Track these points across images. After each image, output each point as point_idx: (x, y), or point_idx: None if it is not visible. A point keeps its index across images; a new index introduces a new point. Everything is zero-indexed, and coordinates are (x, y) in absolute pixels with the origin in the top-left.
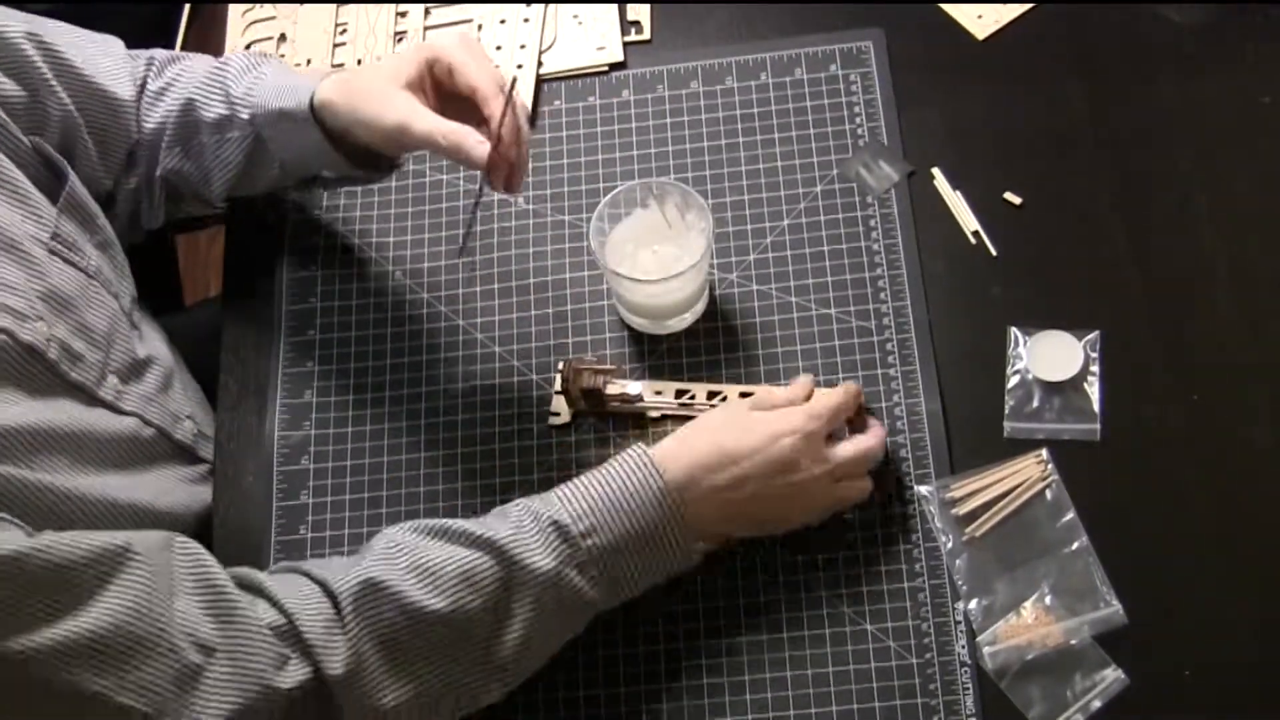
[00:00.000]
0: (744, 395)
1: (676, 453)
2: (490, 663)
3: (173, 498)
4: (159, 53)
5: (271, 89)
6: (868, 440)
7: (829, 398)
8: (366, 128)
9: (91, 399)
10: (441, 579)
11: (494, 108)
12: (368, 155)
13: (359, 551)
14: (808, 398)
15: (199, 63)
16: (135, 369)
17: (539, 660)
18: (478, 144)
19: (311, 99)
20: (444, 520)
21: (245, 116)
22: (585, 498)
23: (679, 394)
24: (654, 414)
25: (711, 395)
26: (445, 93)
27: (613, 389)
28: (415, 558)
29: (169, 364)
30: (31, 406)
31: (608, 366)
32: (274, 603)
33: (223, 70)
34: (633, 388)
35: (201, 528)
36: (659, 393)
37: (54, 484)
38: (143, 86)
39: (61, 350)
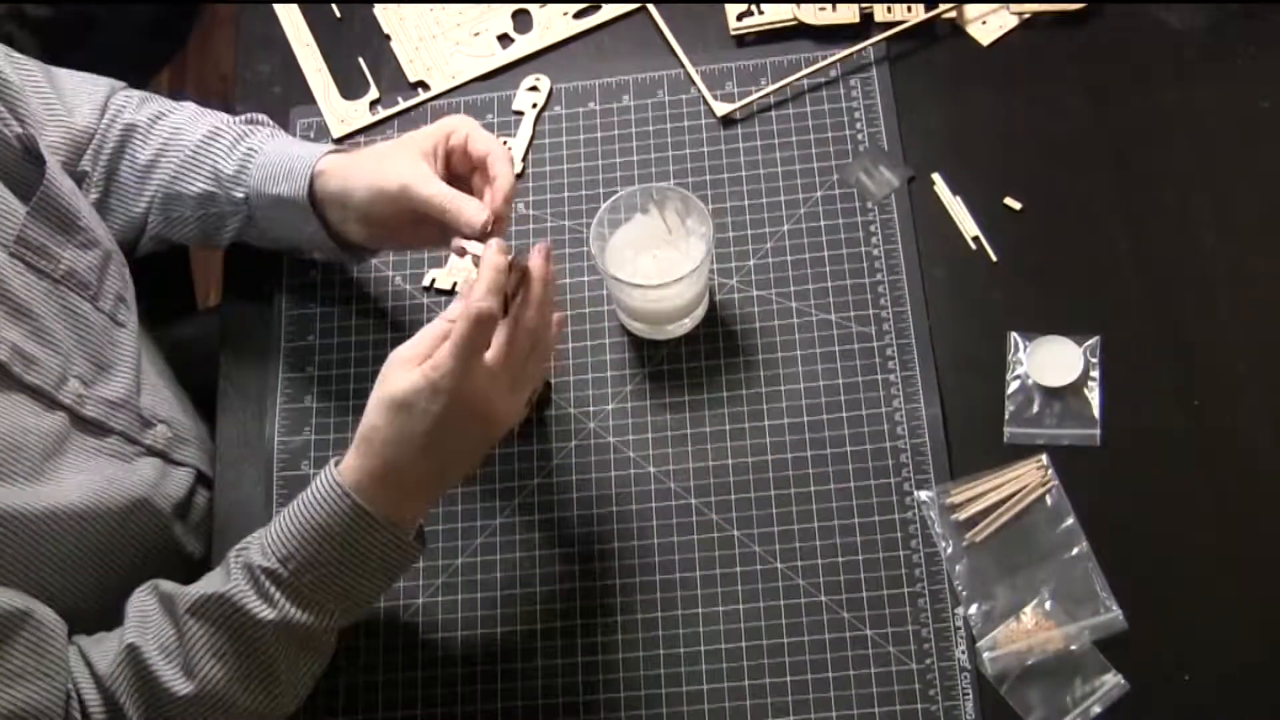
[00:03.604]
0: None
1: (361, 462)
2: (262, 707)
3: (146, 494)
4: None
5: (265, 172)
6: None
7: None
8: (365, 190)
9: (51, 403)
10: (185, 656)
11: (500, 169)
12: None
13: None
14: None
15: (186, 125)
16: (102, 372)
17: (310, 685)
18: (479, 210)
19: (310, 183)
20: (175, 590)
21: (239, 196)
22: (288, 537)
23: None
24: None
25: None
26: (452, 167)
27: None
28: (161, 639)
29: (142, 368)
30: None
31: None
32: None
33: (211, 145)
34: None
35: (178, 516)
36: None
37: (11, 500)
38: (125, 132)
39: (13, 352)
